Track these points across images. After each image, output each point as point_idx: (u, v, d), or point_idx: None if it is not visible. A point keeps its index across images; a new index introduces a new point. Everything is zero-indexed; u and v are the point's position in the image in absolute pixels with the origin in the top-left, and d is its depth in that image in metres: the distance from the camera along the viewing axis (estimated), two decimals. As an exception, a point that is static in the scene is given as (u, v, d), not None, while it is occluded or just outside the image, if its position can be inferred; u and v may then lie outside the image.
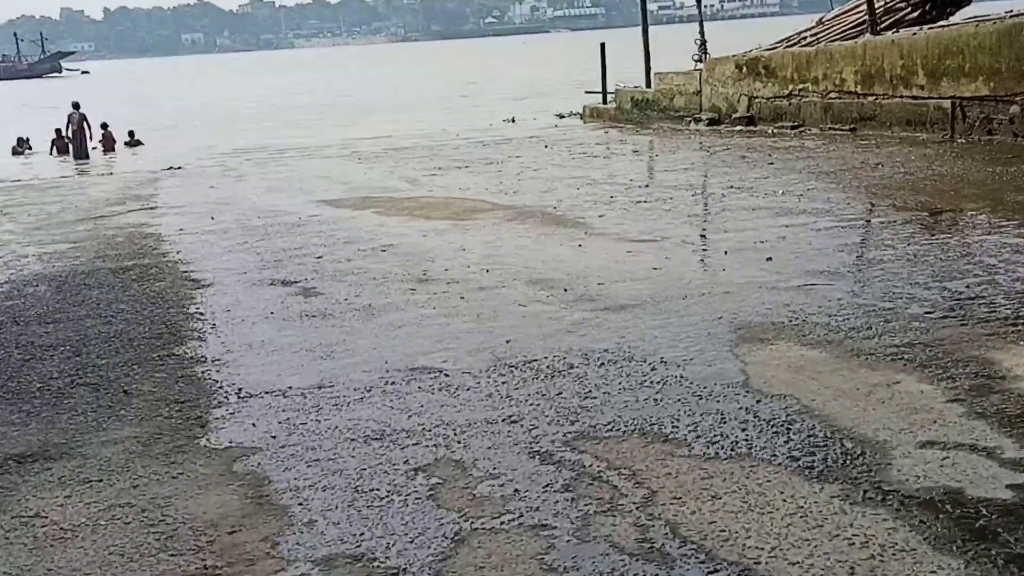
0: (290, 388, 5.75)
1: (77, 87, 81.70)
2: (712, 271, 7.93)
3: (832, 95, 18.30)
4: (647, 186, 13.30)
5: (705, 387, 5.20)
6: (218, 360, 6.46)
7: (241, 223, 12.64)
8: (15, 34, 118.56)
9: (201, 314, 7.83)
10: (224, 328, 7.34)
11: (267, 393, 5.69)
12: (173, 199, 15.86)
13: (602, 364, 5.68)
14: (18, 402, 5.85)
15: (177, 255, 10.64)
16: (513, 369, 5.75)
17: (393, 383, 5.70)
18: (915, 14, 17.56)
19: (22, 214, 15.06)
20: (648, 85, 26.35)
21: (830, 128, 18.01)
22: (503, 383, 5.50)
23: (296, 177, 17.97)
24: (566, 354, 5.95)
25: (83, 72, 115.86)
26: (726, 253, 8.53)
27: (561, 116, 29.89)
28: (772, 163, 14.43)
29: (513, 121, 29.50)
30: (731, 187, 12.42)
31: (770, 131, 19.42)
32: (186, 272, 9.62)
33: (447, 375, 5.76)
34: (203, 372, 6.20)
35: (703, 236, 9.47)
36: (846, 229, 9.25)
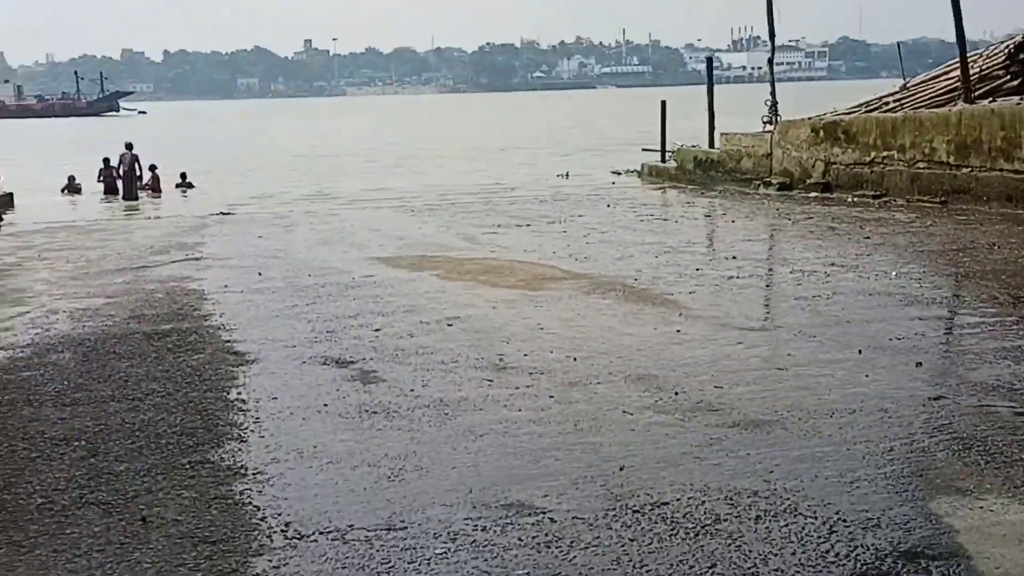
0: (351, 527, 4.41)
1: (133, 126, 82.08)
2: (853, 377, 6.51)
3: (920, 164, 16.88)
4: (734, 257, 11.92)
5: (912, 568, 3.79)
6: (261, 474, 5.14)
7: (290, 281, 11.42)
8: (76, 72, 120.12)
9: (243, 402, 6.54)
10: (269, 424, 6.04)
11: (322, 533, 4.35)
12: (220, 249, 14.71)
13: (758, 518, 4.29)
14: (9, 526, 4.56)
15: (219, 318, 9.40)
16: (639, 516, 4.37)
17: (483, 527, 4.34)
18: (1015, 83, 16.15)
19: (60, 260, 13.96)
20: (711, 145, 25.09)
21: (917, 200, 16.57)
22: (630, 541, 4.12)
23: (348, 229, 16.81)
24: (704, 496, 4.56)
25: (140, 112, 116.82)
26: (860, 352, 7.11)
27: (617, 173, 28.71)
28: (868, 237, 13.01)
29: (567, 176, 28.35)
30: (832, 264, 11.01)
31: (849, 199, 18.02)
32: (228, 342, 8.37)
33: (552, 519, 4.40)
34: (242, 492, 4.88)
35: (823, 327, 8.06)
36: (996, 328, 7.78)
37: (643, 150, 33.17)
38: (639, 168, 28.23)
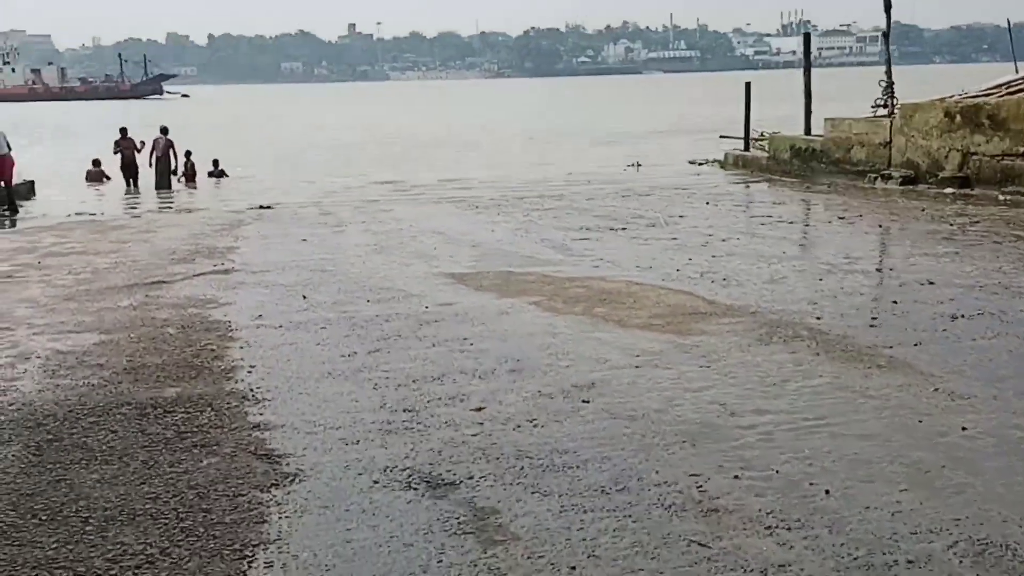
0: None
1: (175, 110, 79.91)
2: None
3: (1104, 157, 13.70)
4: (930, 282, 8.92)
5: None
6: None
7: (344, 310, 8.58)
8: (119, 55, 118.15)
9: (278, 581, 3.70)
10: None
11: None
12: (255, 257, 11.92)
13: None
14: None
15: (248, 377, 6.57)
16: None
17: None
18: None
19: (62, 270, 11.23)
20: (807, 132, 22.00)
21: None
22: None
23: (407, 231, 13.96)
24: None
25: (183, 95, 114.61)
26: None
27: (694, 163, 25.62)
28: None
29: (638, 167, 25.32)
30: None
31: (1000, 198, 14.91)
32: (257, 428, 5.52)
33: None
34: None
35: None
36: None
37: (721, 137, 30.07)
38: (721, 158, 25.21)
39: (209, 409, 5.85)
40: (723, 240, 12.11)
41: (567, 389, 6.03)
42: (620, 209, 15.94)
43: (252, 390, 6.25)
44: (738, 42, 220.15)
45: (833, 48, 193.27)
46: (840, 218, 13.82)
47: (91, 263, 11.74)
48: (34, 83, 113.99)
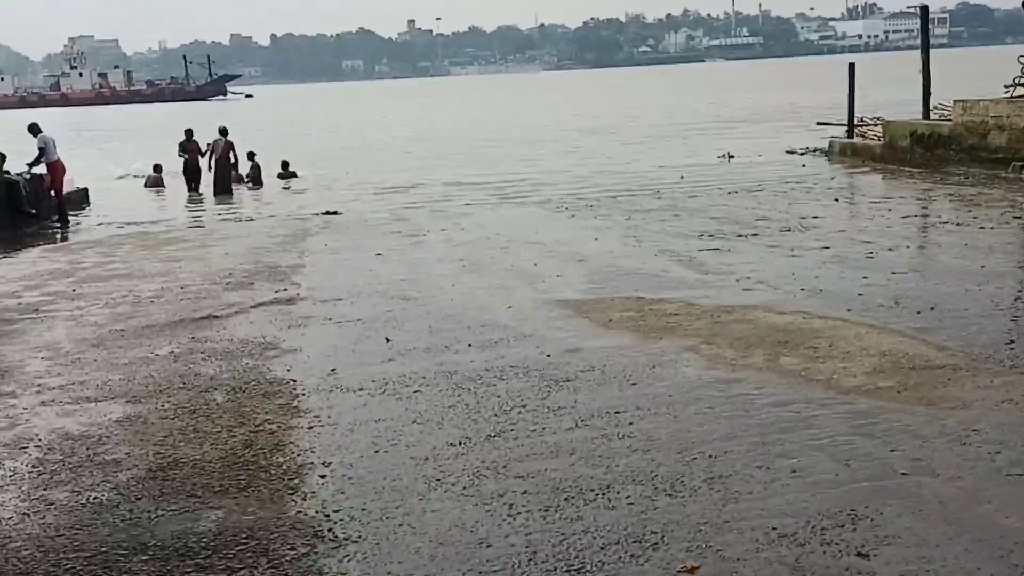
0: None
1: (240, 110, 78.84)
2: None
3: None
4: None
5: None
6: None
7: (442, 365, 6.44)
8: (184, 57, 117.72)
9: None
10: None
11: None
12: (323, 279, 9.87)
13: None
14: None
15: (320, 491, 4.45)
16: None
17: None
18: None
19: (98, 302, 9.29)
20: (926, 117, 19.42)
21: None
22: None
23: (496, 241, 11.82)
24: None
25: (247, 95, 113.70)
26: None
27: (793, 152, 23.06)
28: None
29: (730, 158, 22.85)
30: None
31: None
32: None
33: None
34: None
35: None
36: None
37: (819, 124, 27.46)
38: (823, 146, 22.69)
39: (264, 560, 3.74)
40: (890, 250, 9.76)
41: (818, 528, 3.81)
42: (735, 209, 13.63)
43: (327, 517, 4.12)
44: (802, 27, 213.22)
45: (900, 31, 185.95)
46: (1016, 218, 11.35)
47: (134, 290, 9.79)
48: (101, 87, 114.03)
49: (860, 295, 7.72)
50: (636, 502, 4.09)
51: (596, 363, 6.23)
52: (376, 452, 4.86)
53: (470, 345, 6.87)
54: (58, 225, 16.13)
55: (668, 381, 5.76)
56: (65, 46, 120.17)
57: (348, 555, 3.76)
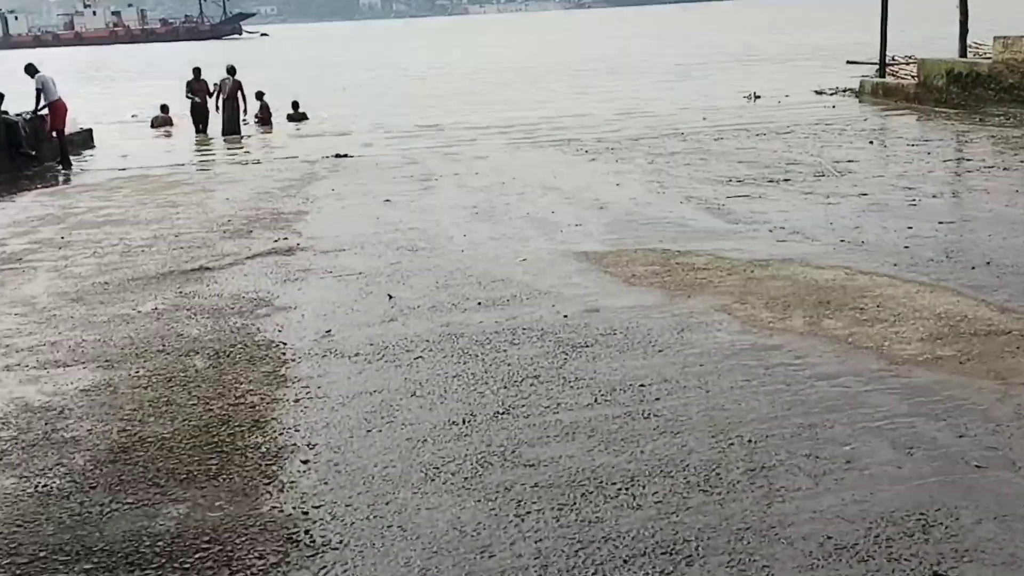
0: None
1: (254, 49, 77.69)
2: None
3: None
4: None
5: None
6: None
7: (448, 326, 5.82)
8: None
9: None
10: None
11: None
12: (326, 227, 9.25)
13: None
14: None
15: (302, 481, 3.87)
16: None
17: None
18: None
19: (86, 250, 8.71)
20: (963, 55, 18.46)
21: None
22: None
23: (510, 186, 11.15)
24: None
25: (262, 35, 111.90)
26: None
27: (822, 93, 22.09)
28: None
29: (756, 98, 21.90)
30: None
31: None
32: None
33: None
34: None
35: None
36: None
37: (848, 63, 26.41)
38: (853, 86, 21.73)
39: (226, 571, 3.16)
40: (933, 197, 9.04)
41: (883, 538, 3.18)
42: (764, 152, 12.86)
43: (306, 515, 3.54)
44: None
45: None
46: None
47: (125, 238, 9.21)
48: (115, 26, 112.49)
49: (906, 247, 7.03)
50: (665, 500, 3.48)
51: (618, 325, 5.60)
52: (368, 432, 4.27)
53: (479, 303, 6.25)
54: (60, 167, 15.54)
55: (698, 348, 5.12)
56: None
57: (325, 566, 3.18)
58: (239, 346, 5.62)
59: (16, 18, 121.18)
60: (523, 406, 4.45)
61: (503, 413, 4.39)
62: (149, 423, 4.48)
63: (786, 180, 10.50)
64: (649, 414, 4.27)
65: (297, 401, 4.70)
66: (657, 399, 4.43)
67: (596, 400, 4.47)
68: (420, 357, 5.25)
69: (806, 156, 12.26)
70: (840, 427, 4.01)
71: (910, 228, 7.67)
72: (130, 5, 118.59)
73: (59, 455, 4.19)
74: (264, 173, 13.64)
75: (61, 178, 14.56)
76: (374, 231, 8.86)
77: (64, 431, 4.47)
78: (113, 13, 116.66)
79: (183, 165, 15.16)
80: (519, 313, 5.98)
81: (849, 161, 11.62)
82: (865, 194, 9.35)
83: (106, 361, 5.46)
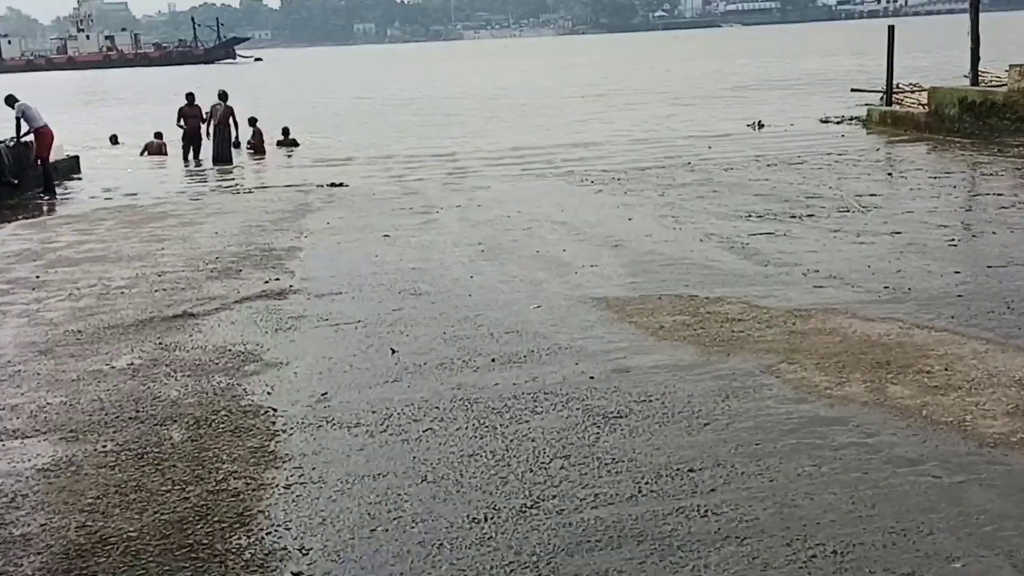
0: None
1: (248, 74, 77.27)
2: None
3: None
4: None
5: None
6: None
7: (459, 389, 5.14)
8: (192, 19, 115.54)
9: None
10: None
11: None
12: (321, 266, 8.58)
13: None
14: None
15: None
16: None
17: None
18: None
19: (61, 292, 8.02)
20: (974, 83, 17.95)
21: None
22: None
23: (516, 219, 10.51)
24: None
25: (256, 59, 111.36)
26: None
27: (828, 121, 21.57)
28: None
29: (760, 127, 21.37)
30: None
31: None
32: None
33: None
34: None
35: None
36: None
37: (853, 91, 25.90)
38: (858, 114, 21.23)
39: None
40: (973, 237, 8.41)
41: None
42: (780, 184, 12.26)
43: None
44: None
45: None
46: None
47: (104, 277, 8.52)
48: (109, 49, 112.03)
49: (959, 296, 6.38)
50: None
51: (652, 390, 4.92)
52: (372, 531, 3.58)
53: (493, 360, 5.57)
54: (44, 196, 14.87)
55: (750, 421, 4.45)
56: (74, 9, 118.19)
57: None
58: (223, 412, 4.92)
59: (9, 42, 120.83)
60: (554, 497, 3.77)
61: (531, 507, 3.70)
62: (114, 516, 3.78)
63: (809, 216, 9.88)
64: (707, 511, 3.59)
65: (288, 488, 4.00)
66: (712, 490, 3.75)
67: (640, 490, 3.79)
68: (430, 429, 4.57)
69: (824, 189, 11.66)
70: (941, 534, 3.34)
71: (957, 273, 7.03)
72: (124, 29, 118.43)
73: (3, 559, 3.48)
74: (256, 204, 12.98)
75: (44, 208, 13.88)
76: (372, 271, 8.20)
77: (14, 526, 3.77)
78: (107, 37, 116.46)
79: (171, 194, 14.49)
80: (539, 373, 5.30)
81: (872, 195, 11.03)
82: (898, 232, 8.72)
83: (71, 431, 4.76)
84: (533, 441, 4.35)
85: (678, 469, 3.96)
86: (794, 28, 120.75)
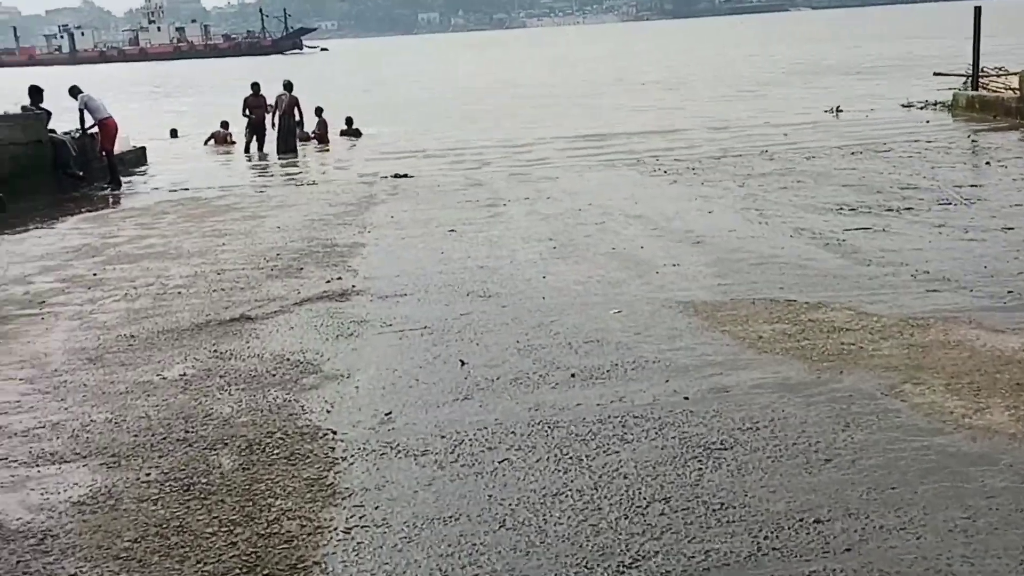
0: None
1: (314, 64, 77.51)
2: None
3: None
4: None
5: None
6: None
7: (538, 410, 4.56)
8: (260, 10, 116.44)
9: None
10: None
11: None
12: (386, 264, 8.07)
13: None
14: None
15: None
16: None
17: None
18: None
19: (117, 291, 7.63)
20: (1072, 64, 16.81)
21: None
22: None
23: (588, 213, 9.91)
24: None
25: (322, 49, 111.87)
26: None
27: (910, 107, 20.49)
28: None
29: (838, 112, 20.39)
30: None
31: None
32: None
33: None
34: None
35: None
36: None
37: (935, 75, 24.69)
38: (943, 99, 20.15)
39: None
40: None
41: None
42: (869, 174, 11.46)
43: None
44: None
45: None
46: None
47: (162, 275, 8.12)
48: (179, 41, 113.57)
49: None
50: None
51: (758, 415, 4.29)
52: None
53: (573, 375, 4.98)
54: (109, 187, 14.66)
55: (878, 456, 3.80)
56: (146, 1, 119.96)
57: None
58: (278, 435, 4.42)
59: (83, 34, 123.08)
60: (656, 554, 3.17)
61: (630, 566, 3.11)
62: (151, 566, 3.29)
63: (907, 209, 9.11)
64: (844, 578, 2.96)
65: (348, 532, 3.47)
66: (848, 549, 3.12)
67: (759, 547, 3.17)
68: (506, 459, 4.01)
69: (919, 179, 10.84)
70: None
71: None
72: (194, 21, 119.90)
73: (24, 621, 3.00)
74: (319, 196, 12.56)
75: (108, 200, 13.65)
76: (439, 270, 7.66)
77: (40, 572, 3.29)
78: (177, 29, 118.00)
79: (235, 187, 14.14)
80: (625, 391, 4.71)
81: (972, 186, 10.20)
82: (1010, 228, 7.94)
83: (113, 456, 4.29)
84: (626, 478, 3.76)
85: (802, 519, 3.33)
86: (864, 11, 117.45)
